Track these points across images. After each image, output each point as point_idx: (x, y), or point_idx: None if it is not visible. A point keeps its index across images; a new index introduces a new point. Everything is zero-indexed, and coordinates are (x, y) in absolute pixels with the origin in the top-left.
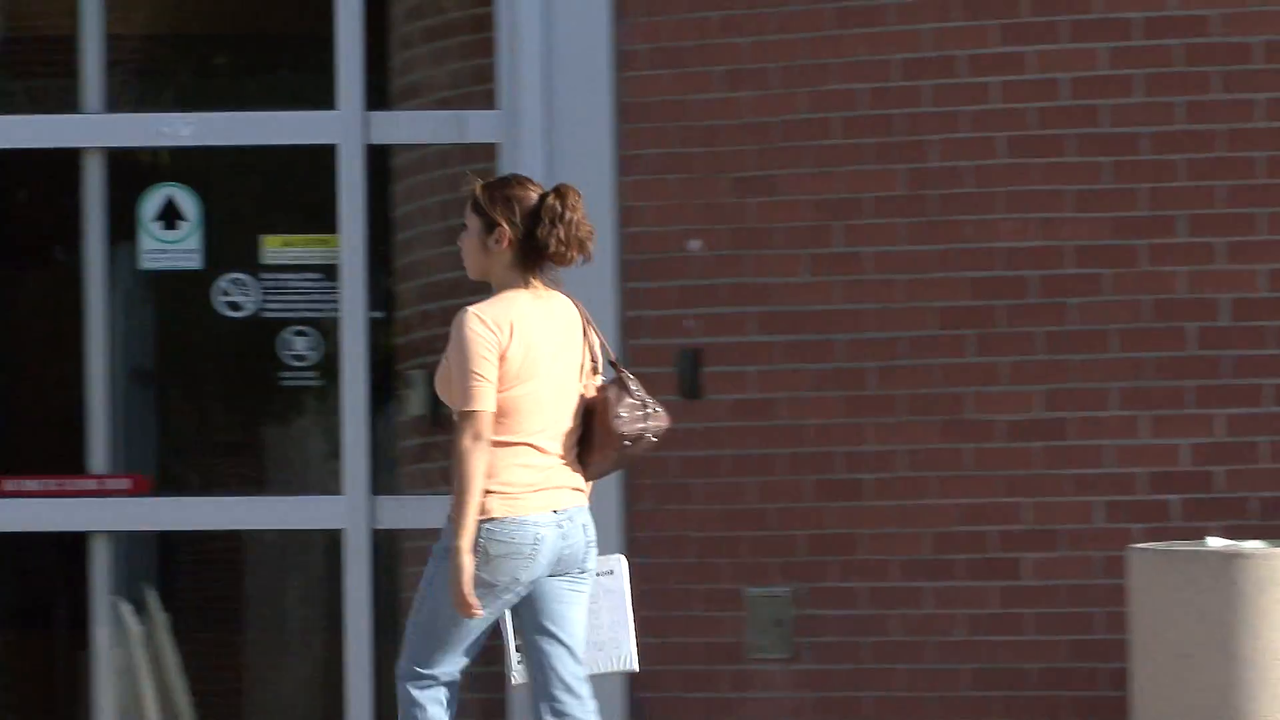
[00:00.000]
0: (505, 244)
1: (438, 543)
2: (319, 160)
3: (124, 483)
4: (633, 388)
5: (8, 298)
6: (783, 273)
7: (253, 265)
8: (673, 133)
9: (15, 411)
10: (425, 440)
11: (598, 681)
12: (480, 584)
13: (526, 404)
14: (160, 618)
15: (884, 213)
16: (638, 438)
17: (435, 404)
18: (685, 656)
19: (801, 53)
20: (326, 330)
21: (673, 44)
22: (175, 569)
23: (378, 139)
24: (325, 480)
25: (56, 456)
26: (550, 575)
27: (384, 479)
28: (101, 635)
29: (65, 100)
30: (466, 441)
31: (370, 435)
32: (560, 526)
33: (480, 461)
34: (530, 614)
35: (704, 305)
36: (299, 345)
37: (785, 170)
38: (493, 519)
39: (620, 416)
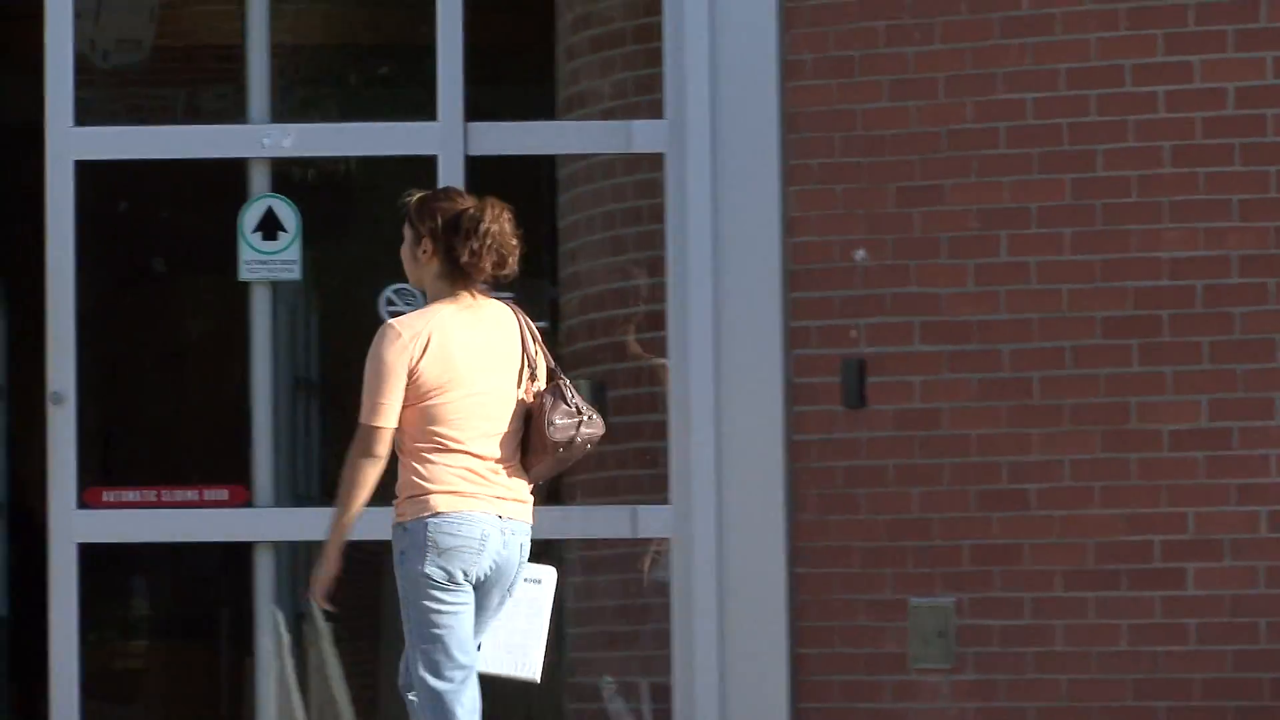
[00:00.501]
0: (430, 255)
1: (393, 556)
2: (497, 171)
3: (222, 493)
4: (568, 395)
5: (174, 307)
6: (947, 283)
7: None
8: (838, 143)
9: (185, 420)
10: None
11: (757, 693)
12: (438, 580)
13: (453, 411)
14: (324, 627)
15: (1049, 222)
16: (569, 443)
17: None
18: (848, 667)
19: (968, 62)
20: None
21: (839, 54)
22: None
23: (476, 150)
24: None
25: (220, 467)
26: (482, 596)
27: (548, 488)
28: (264, 644)
29: (231, 111)
30: (356, 454)
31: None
32: (503, 534)
33: (370, 476)
34: None
35: (868, 315)
36: None
37: (950, 180)
38: (439, 514)
39: (554, 424)
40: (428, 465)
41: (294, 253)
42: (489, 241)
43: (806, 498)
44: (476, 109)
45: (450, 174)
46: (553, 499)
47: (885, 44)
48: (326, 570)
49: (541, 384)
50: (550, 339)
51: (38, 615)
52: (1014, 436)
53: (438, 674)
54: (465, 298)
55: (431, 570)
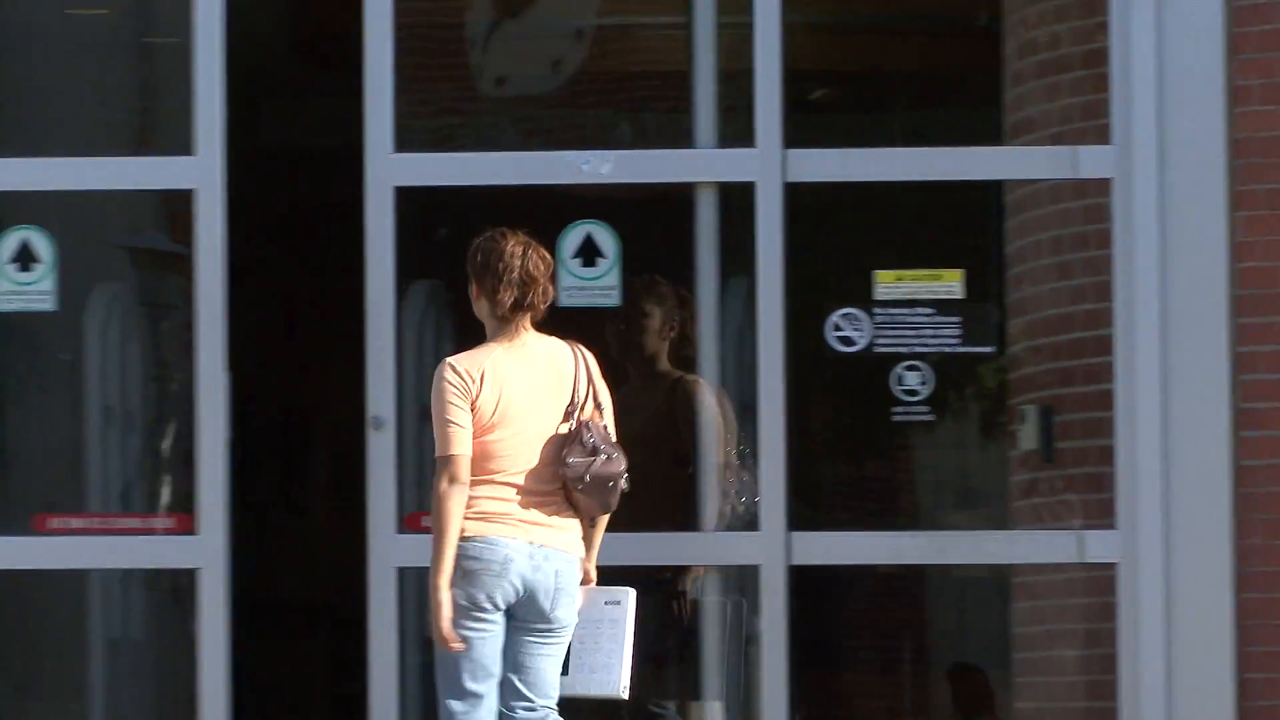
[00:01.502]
0: (477, 294)
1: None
2: (940, 198)
3: None
4: (585, 435)
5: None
6: None
7: (865, 300)
8: None
9: None
10: (1035, 475)
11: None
12: (462, 605)
13: (502, 449)
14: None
15: None
16: (581, 480)
17: (1047, 439)
18: None
19: None
20: (936, 364)
21: None
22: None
23: (795, 177)
24: (934, 514)
25: None
26: (520, 621)
27: (994, 513)
28: (705, 669)
29: (679, 135)
30: (443, 485)
31: (788, 469)
32: (532, 559)
33: (456, 505)
34: (505, 659)
35: None
36: (910, 380)
37: None
38: (466, 538)
39: (566, 463)
40: (470, 496)
41: (613, 279)
42: (509, 277)
43: (1252, 524)
44: (923, 134)
45: (768, 201)
46: (997, 524)
47: None
48: (443, 610)
49: (607, 419)
50: (996, 363)
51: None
52: None
53: (454, 695)
54: (512, 335)
55: (455, 593)
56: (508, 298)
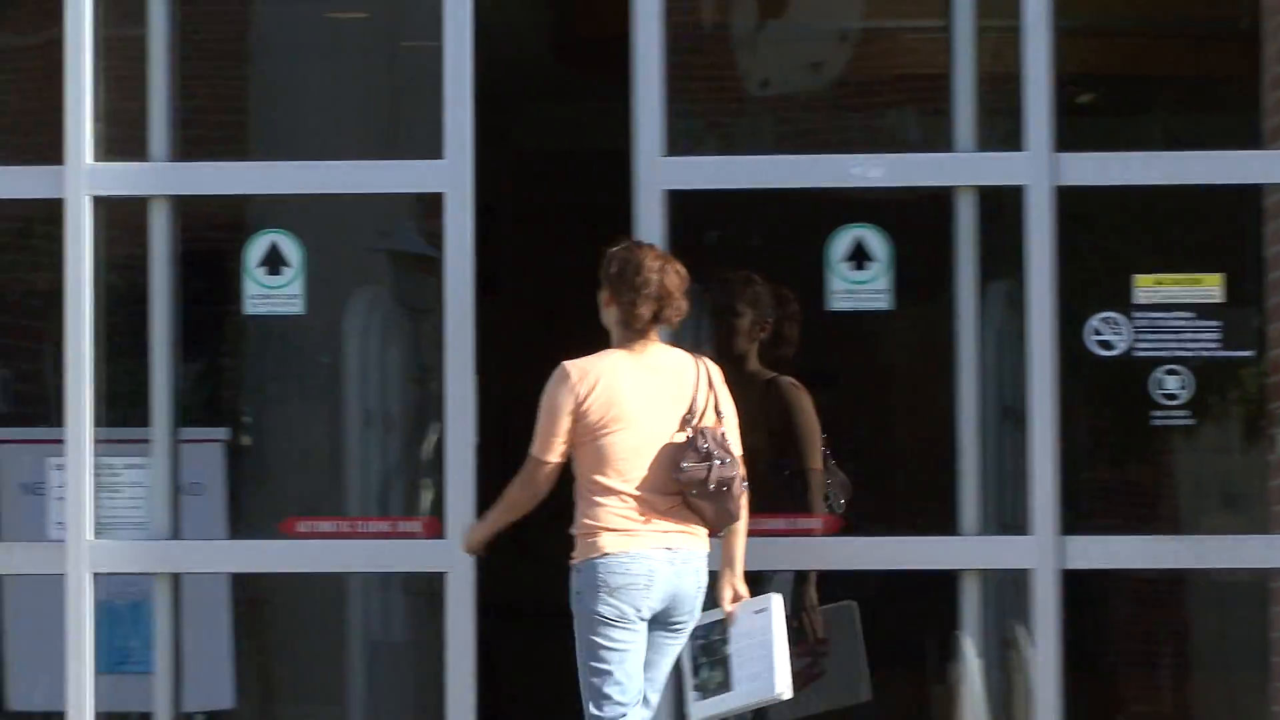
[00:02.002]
0: (608, 302)
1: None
2: (1199, 202)
3: (814, 522)
4: (699, 442)
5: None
6: None
7: (1124, 304)
8: None
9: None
10: None
11: None
12: (610, 619)
13: (617, 451)
14: (1029, 655)
15: None
16: (698, 485)
17: None
18: None
19: None
20: (1195, 369)
21: None
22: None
23: (1068, 180)
24: (1194, 519)
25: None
26: (659, 625)
27: (1255, 517)
28: (968, 671)
29: (939, 138)
30: (519, 479)
31: (1060, 474)
32: (673, 565)
33: (519, 501)
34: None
35: None
36: (1170, 384)
37: None
38: (607, 554)
39: (681, 468)
40: (595, 507)
41: (884, 283)
42: (646, 291)
43: None
44: (1182, 138)
45: (1038, 204)
46: (1257, 528)
47: None
48: (475, 535)
49: (732, 430)
50: (1257, 367)
51: None
52: None
53: (599, 706)
54: (637, 344)
55: (604, 609)
56: (646, 311)
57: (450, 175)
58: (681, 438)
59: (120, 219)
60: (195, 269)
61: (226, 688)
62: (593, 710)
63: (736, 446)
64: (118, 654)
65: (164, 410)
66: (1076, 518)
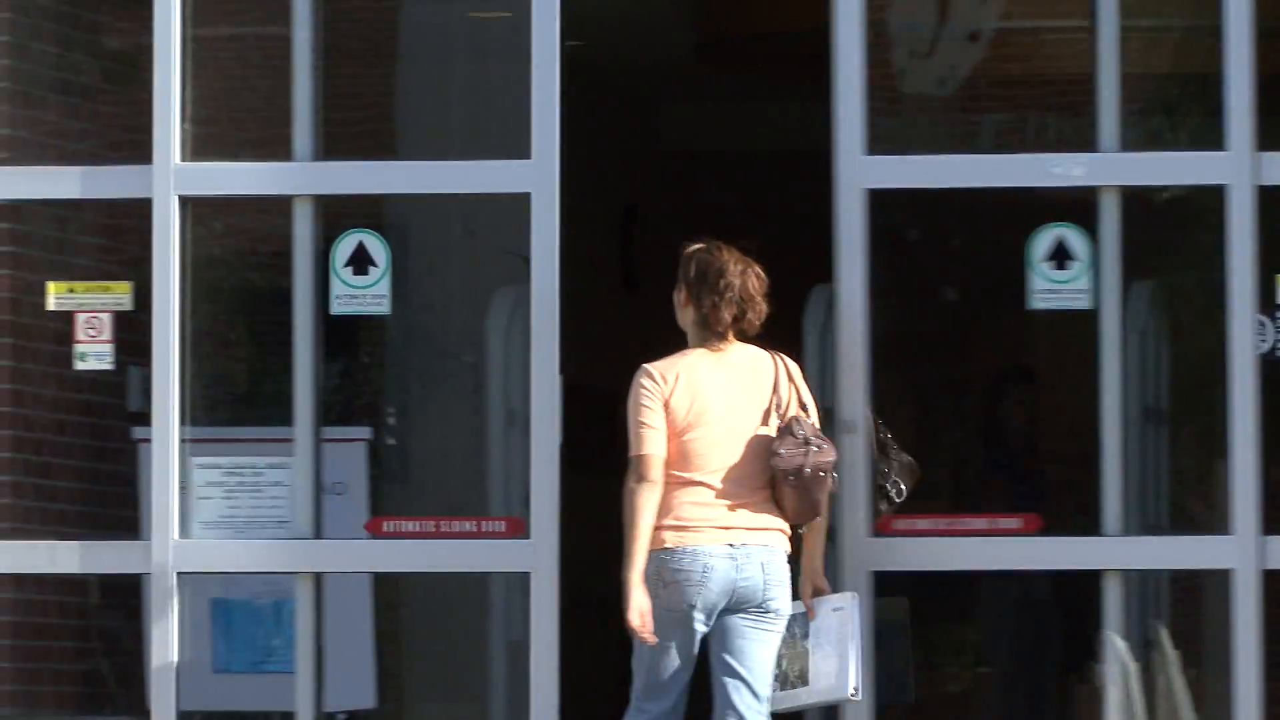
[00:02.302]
0: (685, 303)
1: None
2: None
3: (1014, 522)
4: (795, 429)
5: (966, 336)
6: None
7: (1270, 305)
8: None
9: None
10: None
11: None
12: (660, 612)
13: (698, 447)
14: (1171, 654)
15: None
16: (796, 471)
17: None
18: None
19: None
20: None
21: None
22: (1183, 606)
23: (1267, 180)
24: None
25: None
26: (732, 612)
27: None
28: (1111, 672)
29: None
30: (632, 483)
31: (1261, 473)
32: (734, 559)
33: (646, 501)
34: (714, 648)
35: None
36: None
37: None
38: (666, 549)
39: (778, 454)
40: (668, 500)
41: (1084, 282)
42: (729, 295)
43: None
44: None
45: (1240, 204)
46: None
47: None
48: (634, 604)
49: (814, 421)
50: None
51: None
52: None
53: (644, 697)
54: (716, 344)
55: (656, 600)
56: (727, 315)
57: (536, 176)
58: (771, 429)
59: (251, 218)
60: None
61: (368, 687)
62: (637, 701)
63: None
64: (259, 653)
65: (306, 409)
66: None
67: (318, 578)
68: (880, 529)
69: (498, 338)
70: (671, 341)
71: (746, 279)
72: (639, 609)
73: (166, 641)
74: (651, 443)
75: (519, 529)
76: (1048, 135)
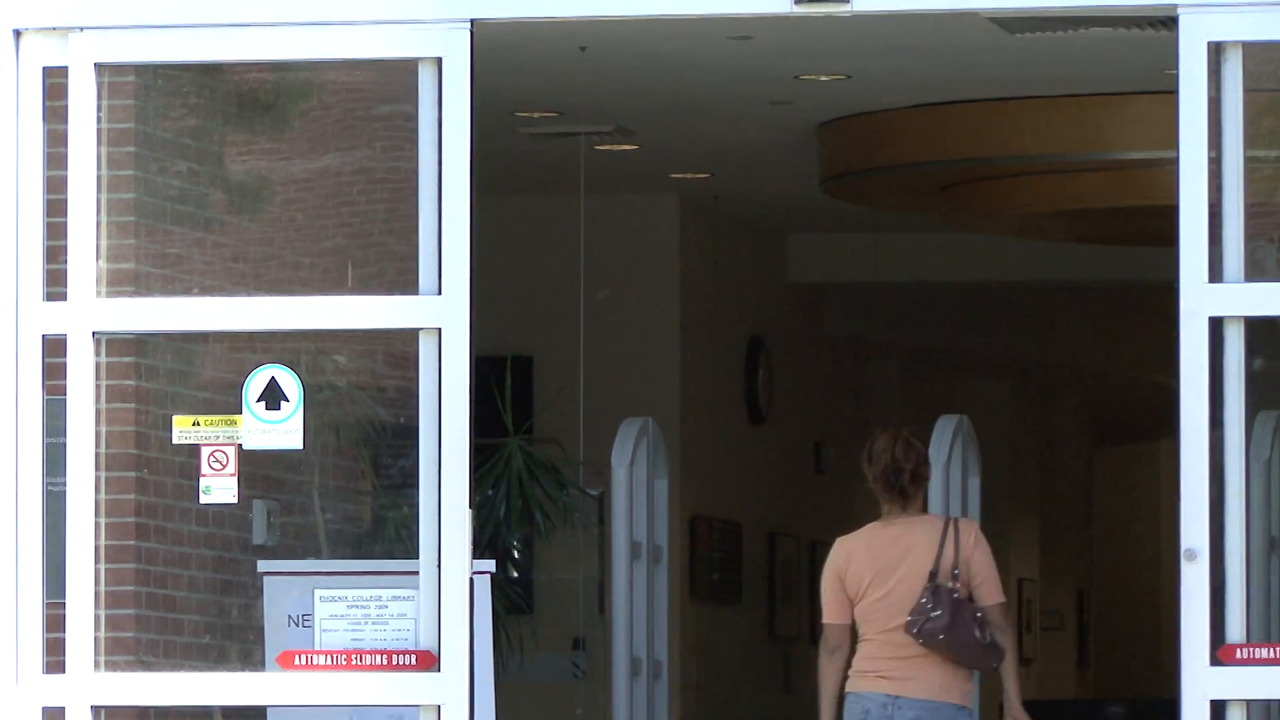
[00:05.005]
0: (868, 479)
1: None
2: None
3: None
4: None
5: None
6: None
7: None
8: None
9: None
10: None
11: None
12: None
13: (873, 610)
14: None
15: None
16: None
17: None
18: None
19: None
20: None
21: None
22: None
23: None
24: None
25: None
26: None
27: None
28: None
29: None
30: (822, 651)
31: None
32: (885, 708)
33: (826, 665)
34: None
35: None
36: None
37: None
38: (848, 693)
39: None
40: (855, 654)
41: None
42: (879, 468)
43: None
44: None
45: None
46: None
47: None
48: None
49: (983, 584)
50: None
51: None
52: None
53: None
54: (887, 514)
55: None
56: (881, 486)
57: (446, 311)
58: (920, 594)
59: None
60: None
61: None
62: None
63: (987, 598)
64: None
65: (431, 542)
66: None
67: (437, 710)
68: (1221, 658)
69: (623, 471)
70: (797, 476)
71: (894, 451)
72: None
73: None
74: (830, 613)
75: (428, 662)
76: None
